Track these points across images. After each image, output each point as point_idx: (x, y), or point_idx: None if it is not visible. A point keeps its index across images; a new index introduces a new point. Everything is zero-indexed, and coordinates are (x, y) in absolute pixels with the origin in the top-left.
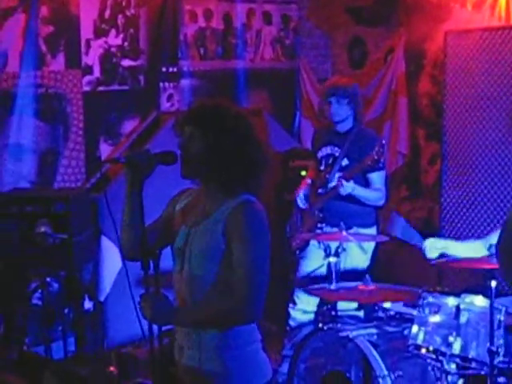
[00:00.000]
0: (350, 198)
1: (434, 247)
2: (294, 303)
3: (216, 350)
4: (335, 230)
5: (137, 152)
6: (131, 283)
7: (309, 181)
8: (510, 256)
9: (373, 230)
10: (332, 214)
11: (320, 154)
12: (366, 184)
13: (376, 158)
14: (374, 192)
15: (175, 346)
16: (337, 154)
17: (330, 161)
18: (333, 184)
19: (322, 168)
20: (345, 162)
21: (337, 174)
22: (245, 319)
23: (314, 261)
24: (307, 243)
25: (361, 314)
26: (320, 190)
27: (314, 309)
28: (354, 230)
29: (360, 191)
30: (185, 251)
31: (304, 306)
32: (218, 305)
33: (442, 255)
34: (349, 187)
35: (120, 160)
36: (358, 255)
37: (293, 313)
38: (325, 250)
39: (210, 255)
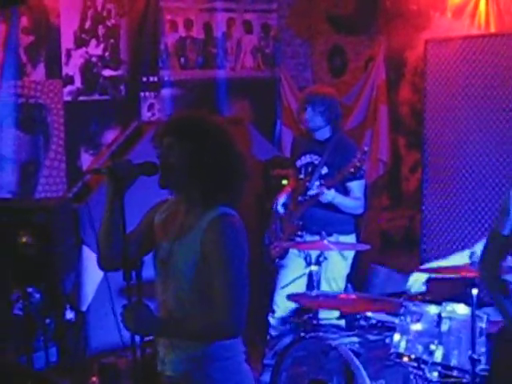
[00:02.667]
0: (330, 206)
1: (419, 282)
2: (274, 312)
3: (199, 361)
4: (315, 237)
5: (118, 162)
6: (113, 293)
7: (289, 189)
8: (488, 271)
9: (352, 237)
10: (312, 221)
11: (299, 163)
12: (346, 193)
13: (358, 164)
14: (353, 201)
15: (158, 357)
16: (316, 163)
17: (310, 169)
18: (313, 192)
19: (302, 176)
20: (324, 170)
21: (317, 182)
22: (227, 335)
23: (295, 270)
24: (287, 251)
25: (342, 322)
26: (300, 198)
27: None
28: (334, 237)
29: (340, 199)
30: (168, 265)
31: (283, 315)
32: (200, 319)
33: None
34: (330, 195)
35: (102, 170)
36: (338, 262)
37: (272, 321)
38: (305, 259)
39: (192, 270)
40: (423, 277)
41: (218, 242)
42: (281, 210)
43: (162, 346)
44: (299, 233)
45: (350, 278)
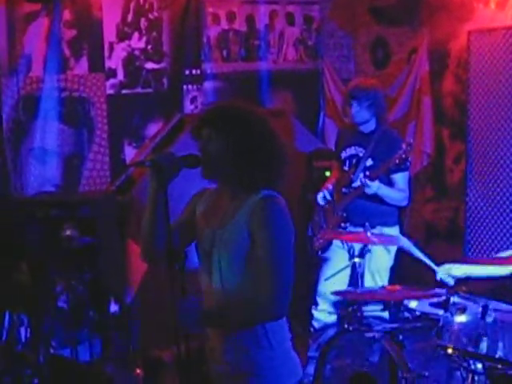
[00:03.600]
0: (374, 198)
1: (448, 274)
2: (317, 304)
3: (247, 349)
4: (359, 229)
5: (161, 155)
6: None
7: (332, 181)
8: None
9: (395, 229)
10: (355, 213)
11: (344, 155)
12: (390, 184)
13: (404, 156)
14: (398, 192)
15: (206, 348)
16: (361, 155)
17: (354, 161)
18: (357, 184)
19: (347, 168)
20: (369, 162)
21: (361, 174)
22: (271, 315)
23: (338, 262)
24: (330, 243)
25: (386, 314)
26: (344, 190)
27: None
28: (378, 229)
29: (384, 191)
30: (212, 254)
31: (327, 307)
32: (243, 305)
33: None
34: (374, 186)
35: (145, 163)
36: (382, 255)
37: (316, 314)
38: (348, 251)
39: (237, 255)
40: (452, 269)
41: (264, 222)
42: (324, 201)
43: (211, 335)
44: (343, 224)
45: (393, 271)
